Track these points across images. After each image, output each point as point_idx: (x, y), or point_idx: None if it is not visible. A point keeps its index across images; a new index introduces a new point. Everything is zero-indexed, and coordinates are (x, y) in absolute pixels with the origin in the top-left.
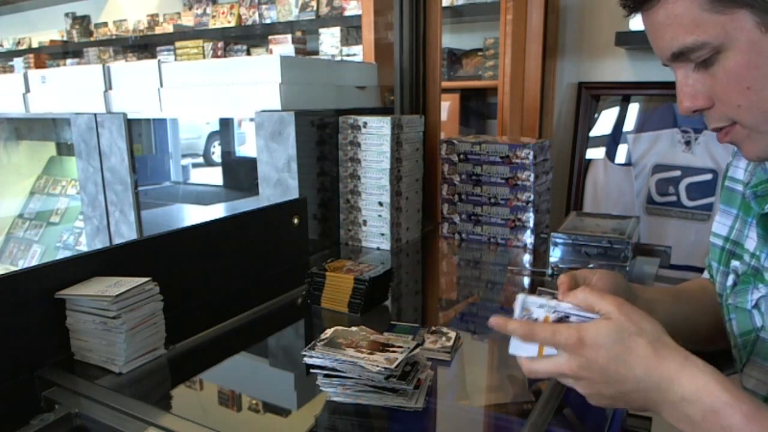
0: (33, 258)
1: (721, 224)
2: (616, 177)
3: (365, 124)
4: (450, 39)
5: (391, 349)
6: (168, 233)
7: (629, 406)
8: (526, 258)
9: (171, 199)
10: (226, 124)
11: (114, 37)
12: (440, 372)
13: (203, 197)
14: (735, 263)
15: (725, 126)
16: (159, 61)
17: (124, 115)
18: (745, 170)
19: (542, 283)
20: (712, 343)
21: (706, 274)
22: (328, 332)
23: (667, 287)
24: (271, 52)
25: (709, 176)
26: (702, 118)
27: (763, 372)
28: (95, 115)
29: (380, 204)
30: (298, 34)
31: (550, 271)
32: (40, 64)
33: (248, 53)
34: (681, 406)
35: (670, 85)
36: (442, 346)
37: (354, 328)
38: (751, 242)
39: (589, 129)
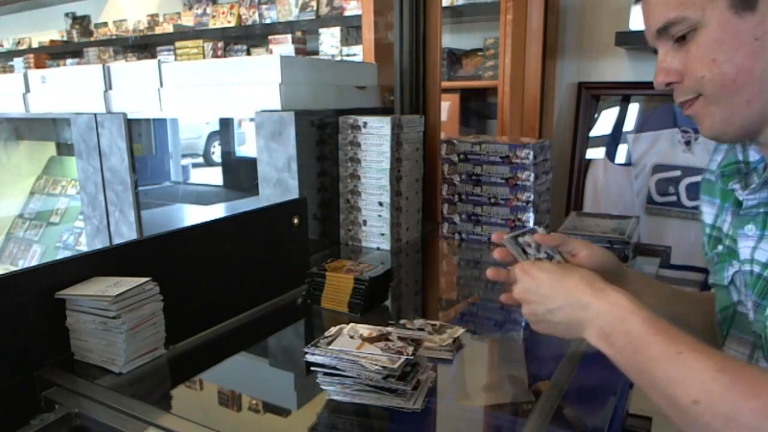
0: (33, 258)
1: (708, 214)
2: (616, 177)
3: (365, 124)
4: (450, 39)
5: (393, 341)
6: (168, 233)
7: (561, 328)
8: None
9: (171, 199)
10: (226, 124)
11: (114, 37)
12: (441, 371)
13: (203, 197)
14: (719, 247)
15: (690, 99)
16: (159, 61)
17: (124, 115)
18: (718, 163)
19: None
20: None
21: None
22: (333, 330)
23: (665, 285)
24: (271, 52)
25: None
26: None
27: (741, 344)
28: (95, 115)
29: (380, 204)
30: (298, 34)
31: None
32: (40, 64)
33: (248, 53)
34: (597, 320)
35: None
36: (444, 344)
37: (360, 325)
38: (726, 224)
39: (589, 129)
